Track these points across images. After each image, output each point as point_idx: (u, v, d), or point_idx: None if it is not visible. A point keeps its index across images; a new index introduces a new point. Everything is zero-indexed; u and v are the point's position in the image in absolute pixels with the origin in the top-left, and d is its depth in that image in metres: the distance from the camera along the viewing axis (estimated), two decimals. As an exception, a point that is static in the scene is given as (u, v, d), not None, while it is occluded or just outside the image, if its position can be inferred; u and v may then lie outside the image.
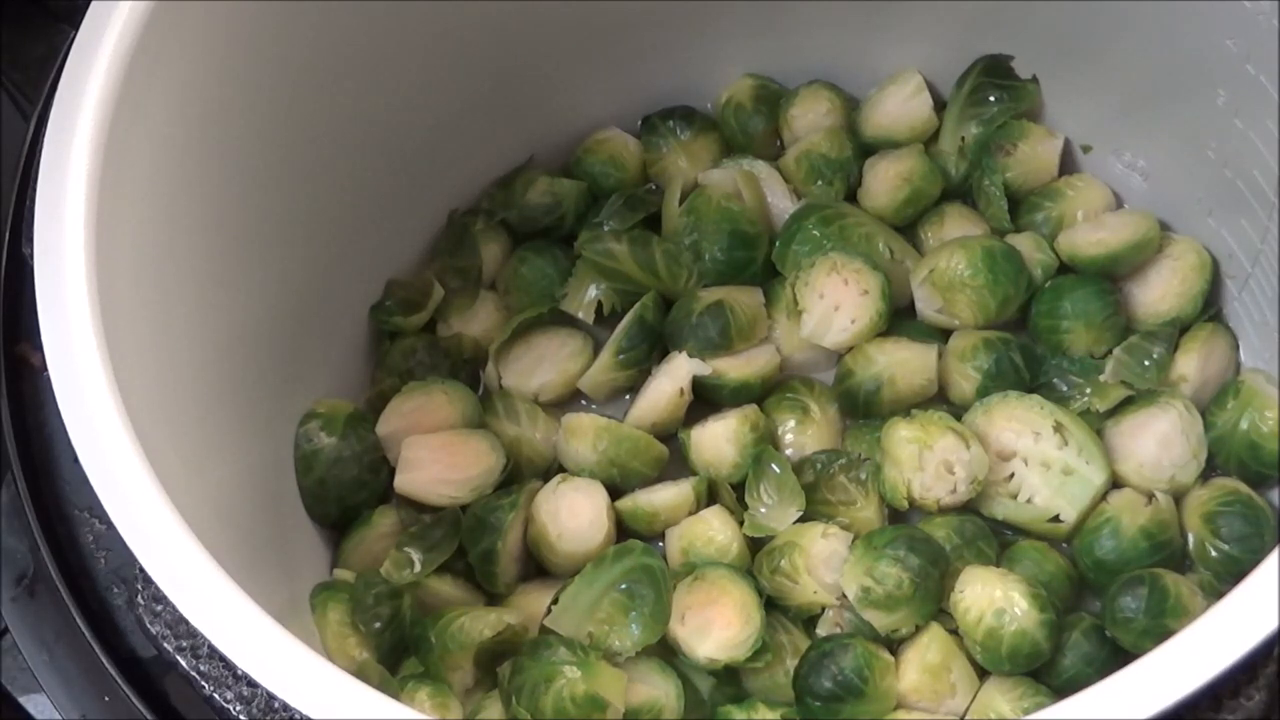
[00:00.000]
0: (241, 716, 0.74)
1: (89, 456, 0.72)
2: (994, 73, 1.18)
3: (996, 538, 1.04)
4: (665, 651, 1.00)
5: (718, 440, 1.07)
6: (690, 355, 1.10)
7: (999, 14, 1.15)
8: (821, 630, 1.02)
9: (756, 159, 1.23)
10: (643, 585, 0.99)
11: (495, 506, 1.04)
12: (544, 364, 1.15)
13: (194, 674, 0.76)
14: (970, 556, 1.01)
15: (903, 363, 1.09)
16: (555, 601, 1.00)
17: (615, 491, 1.08)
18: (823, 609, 1.02)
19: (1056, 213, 1.16)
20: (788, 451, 1.10)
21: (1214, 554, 1.01)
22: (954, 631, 0.99)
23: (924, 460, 1.01)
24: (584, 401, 1.16)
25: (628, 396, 1.15)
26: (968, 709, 0.97)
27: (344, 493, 1.05)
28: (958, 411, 1.07)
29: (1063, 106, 1.19)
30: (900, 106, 1.21)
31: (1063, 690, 0.96)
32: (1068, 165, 1.20)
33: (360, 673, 0.89)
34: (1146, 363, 1.08)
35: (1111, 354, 1.10)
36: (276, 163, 0.98)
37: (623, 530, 1.08)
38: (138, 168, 0.82)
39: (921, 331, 1.13)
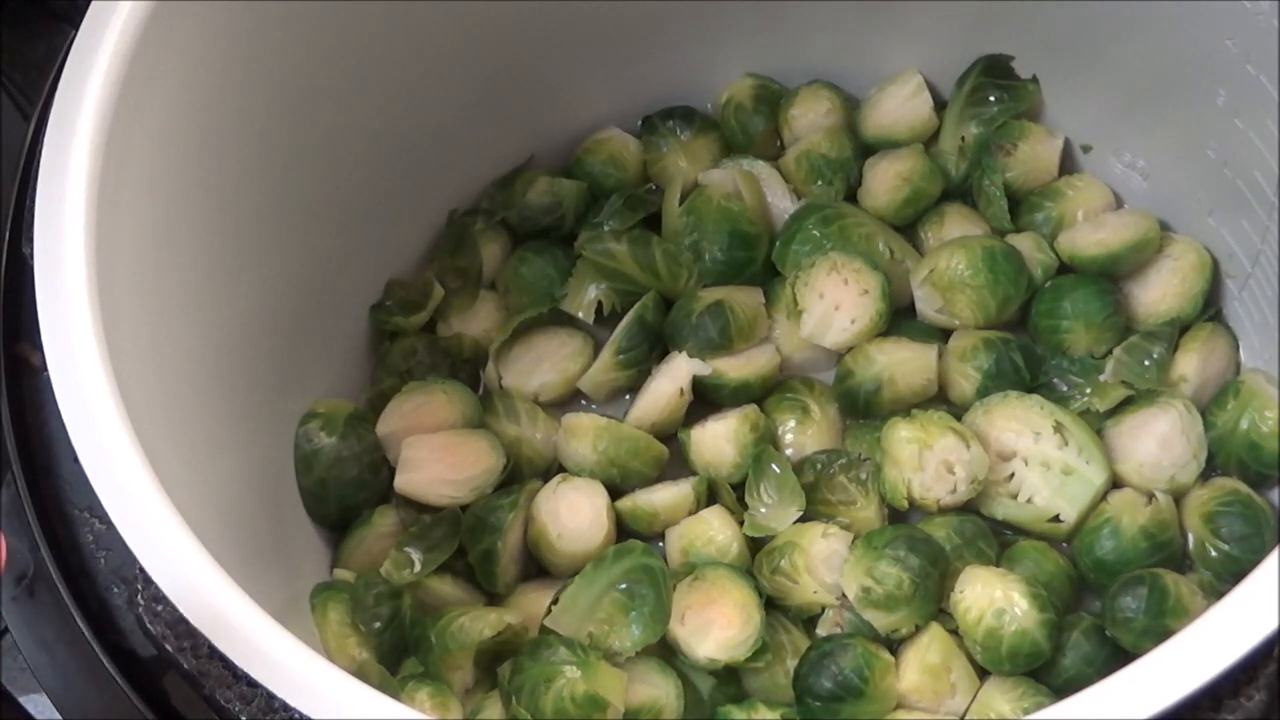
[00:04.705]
0: (241, 716, 0.74)
1: (89, 456, 0.72)
2: (994, 73, 1.19)
3: (996, 538, 1.04)
4: (665, 651, 1.00)
5: (718, 440, 1.07)
6: (690, 355, 1.10)
7: (999, 14, 1.15)
8: (821, 630, 1.02)
9: (756, 159, 1.23)
10: (643, 585, 0.99)
11: (495, 506, 1.04)
12: (544, 364, 1.15)
13: (194, 674, 0.75)
14: (970, 556, 1.01)
15: (903, 363, 1.09)
16: (555, 601, 1.00)
17: (615, 491, 1.08)
18: (823, 609, 1.02)
19: (1056, 213, 1.16)
20: (788, 451, 1.10)
21: (1214, 554, 1.01)
22: (954, 631, 0.99)
23: (924, 460, 1.01)
24: (584, 401, 1.16)
25: (628, 396, 1.15)
26: (968, 709, 0.97)
27: (344, 493, 1.05)
28: (958, 411, 1.07)
29: (1063, 106, 1.19)
30: (900, 106, 1.21)
31: (1063, 690, 0.96)
32: (1068, 165, 1.20)
33: (360, 673, 0.89)
34: (1146, 363, 1.08)
35: (1111, 354, 1.10)
36: (276, 163, 0.98)
37: (623, 530, 1.08)
38: (138, 168, 0.82)
39: (921, 331, 1.13)
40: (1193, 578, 1.01)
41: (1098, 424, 1.07)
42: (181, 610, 0.68)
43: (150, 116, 0.83)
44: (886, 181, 1.18)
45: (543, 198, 1.21)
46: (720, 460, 1.08)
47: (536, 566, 1.08)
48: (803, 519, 1.04)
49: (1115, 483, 1.05)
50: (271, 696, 0.68)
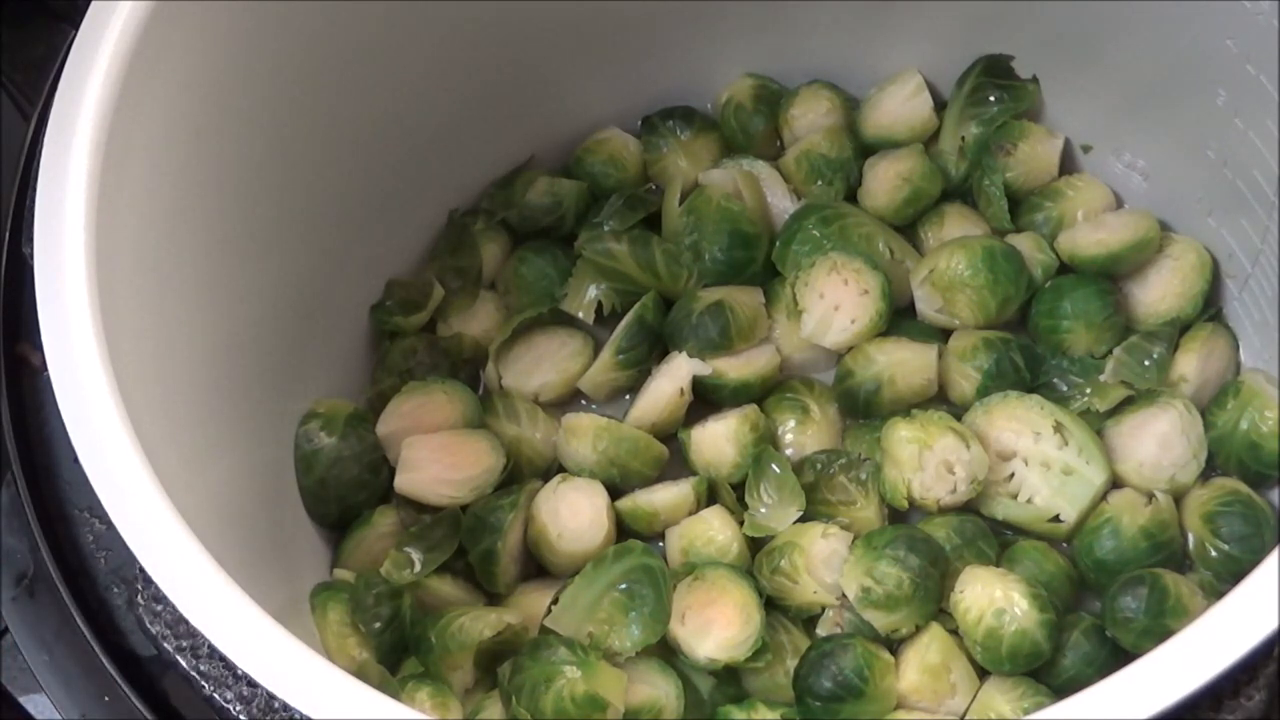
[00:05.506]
0: (241, 716, 0.74)
1: (89, 456, 0.72)
2: (994, 73, 1.19)
3: (996, 538, 1.04)
4: (665, 651, 1.00)
5: (718, 440, 1.07)
6: (690, 355, 1.10)
7: (999, 14, 1.15)
8: (821, 630, 1.02)
9: (756, 159, 1.23)
10: (643, 585, 0.99)
11: (495, 506, 1.04)
12: (544, 364, 1.15)
13: (194, 674, 0.76)
14: (970, 556, 1.01)
15: (903, 363, 1.09)
16: (555, 601, 1.00)
17: (615, 491, 1.08)
18: (823, 609, 1.02)
19: (1056, 213, 1.16)
20: (788, 451, 1.10)
21: (1214, 554, 1.01)
22: (954, 631, 0.99)
23: (924, 460, 1.01)
24: (584, 401, 1.16)
25: (628, 396, 1.15)
26: (968, 709, 0.97)
27: (344, 493, 1.05)
28: (958, 411, 1.07)
29: (1063, 106, 1.19)
30: (900, 106, 1.21)
31: (1063, 690, 0.96)
32: (1068, 165, 1.20)
33: (360, 673, 0.89)
34: (1146, 363, 1.08)
35: (1111, 354, 1.10)
36: (277, 163, 0.98)
37: (623, 530, 1.08)
38: (138, 168, 0.82)
39: (921, 331, 1.13)
40: (1193, 578, 1.01)
41: (1098, 424, 1.07)
42: (181, 610, 0.68)
43: (150, 116, 0.83)
44: (886, 181, 1.18)
45: (543, 198, 1.21)
46: (720, 460, 1.08)
47: (536, 566, 1.08)
48: (803, 519, 1.04)
49: (1115, 483, 1.05)
50: (271, 696, 0.68)
